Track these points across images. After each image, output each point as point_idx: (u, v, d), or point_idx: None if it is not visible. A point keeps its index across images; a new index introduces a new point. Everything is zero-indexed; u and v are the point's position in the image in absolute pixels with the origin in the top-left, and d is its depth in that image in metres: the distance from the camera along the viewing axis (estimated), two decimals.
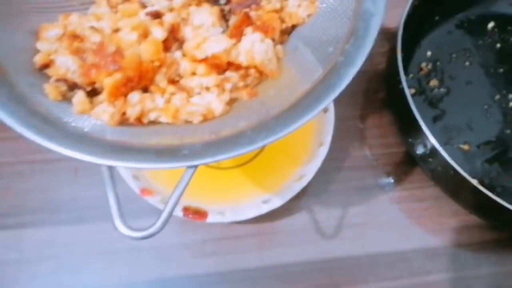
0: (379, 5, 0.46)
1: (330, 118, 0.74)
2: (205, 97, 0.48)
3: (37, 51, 0.49)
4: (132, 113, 0.47)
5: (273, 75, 0.50)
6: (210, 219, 0.69)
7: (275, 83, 0.50)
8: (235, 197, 0.72)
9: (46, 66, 0.49)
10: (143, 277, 0.71)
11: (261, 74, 0.51)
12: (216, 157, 0.42)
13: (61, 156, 0.41)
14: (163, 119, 0.48)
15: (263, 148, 0.76)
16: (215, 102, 0.48)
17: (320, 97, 0.43)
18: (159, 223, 0.41)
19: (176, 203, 0.42)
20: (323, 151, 0.72)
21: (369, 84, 0.85)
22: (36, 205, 0.74)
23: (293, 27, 0.54)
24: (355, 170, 0.79)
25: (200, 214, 0.69)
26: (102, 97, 0.47)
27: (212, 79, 0.48)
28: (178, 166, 0.42)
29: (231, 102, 0.50)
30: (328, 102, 0.42)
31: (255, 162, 0.75)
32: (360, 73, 0.82)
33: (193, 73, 0.49)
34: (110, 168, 0.43)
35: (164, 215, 0.41)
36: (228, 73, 0.50)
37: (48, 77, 0.49)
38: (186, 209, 0.69)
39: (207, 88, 0.49)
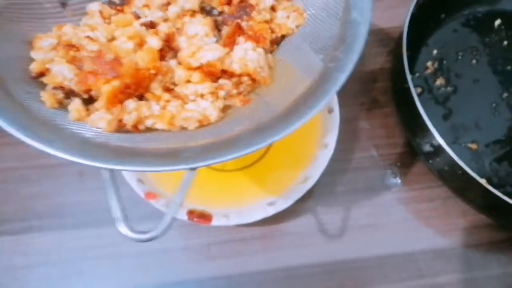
0: (365, 14, 0.48)
1: (335, 119, 0.73)
2: (200, 104, 0.49)
3: (32, 60, 0.50)
4: (128, 119, 0.48)
5: (265, 83, 0.51)
6: (215, 222, 0.69)
7: (267, 91, 0.51)
8: (240, 199, 0.72)
9: (42, 74, 0.50)
10: (149, 281, 0.71)
11: (254, 82, 0.51)
12: (215, 159, 0.42)
13: (65, 160, 0.42)
14: (159, 125, 0.49)
15: (267, 150, 0.76)
16: (210, 109, 0.49)
17: (311, 105, 0.43)
18: (163, 226, 0.42)
19: (179, 206, 0.43)
20: (328, 152, 0.72)
21: (374, 84, 0.85)
22: (42, 210, 0.75)
23: (283, 37, 0.55)
24: (361, 171, 0.78)
25: (204, 217, 0.69)
26: (98, 104, 0.48)
27: (206, 87, 0.49)
28: (178, 169, 0.42)
29: (225, 109, 0.51)
30: (320, 108, 0.43)
31: (260, 164, 0.75)
32: (365, 73, 0.83)
33: (188, 81, 0.50)
34: (112, 171, 0.44)
35: (167, 219, 0.42)
36: (222, 81, 0.50)
37: (44, 85, 0.50)
38: (190, 213, 0.69)
39: (202, 95, 0.49)
